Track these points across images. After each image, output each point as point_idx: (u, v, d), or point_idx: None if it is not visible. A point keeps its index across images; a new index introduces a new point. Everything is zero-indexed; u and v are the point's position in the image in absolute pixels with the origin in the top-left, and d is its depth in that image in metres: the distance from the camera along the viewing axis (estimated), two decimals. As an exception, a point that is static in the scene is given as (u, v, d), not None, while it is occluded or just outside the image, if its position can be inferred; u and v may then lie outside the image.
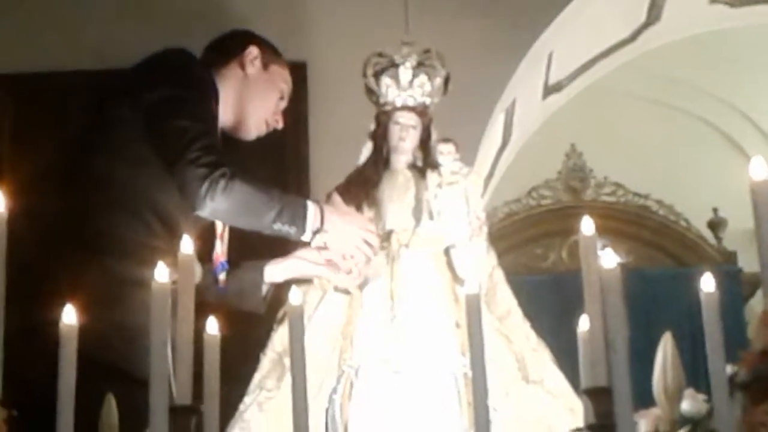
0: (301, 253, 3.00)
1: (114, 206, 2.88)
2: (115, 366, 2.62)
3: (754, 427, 1.29)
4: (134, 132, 2.90)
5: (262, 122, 3.21)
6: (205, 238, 2.98)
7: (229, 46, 3.24)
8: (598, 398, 1.81)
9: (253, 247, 3.10)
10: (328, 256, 2.93)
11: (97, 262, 2.81)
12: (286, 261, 3.03)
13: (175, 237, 2.69)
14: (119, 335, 2.71)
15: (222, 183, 2.79)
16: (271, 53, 3.26)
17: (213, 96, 3.03)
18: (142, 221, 2.87)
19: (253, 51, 3.20)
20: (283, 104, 3.27)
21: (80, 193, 2.93)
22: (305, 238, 2.89)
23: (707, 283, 1.80)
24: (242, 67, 3.19)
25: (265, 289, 3.06)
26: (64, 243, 2.83)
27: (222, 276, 3.05)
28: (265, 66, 3.21)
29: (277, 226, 2.85)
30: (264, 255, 3.12)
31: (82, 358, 1.91)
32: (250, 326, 2.91)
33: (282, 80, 3.25)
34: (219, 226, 3.05)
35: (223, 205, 2.80)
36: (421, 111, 2.98)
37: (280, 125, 3.26)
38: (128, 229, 2.85)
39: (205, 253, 2.96)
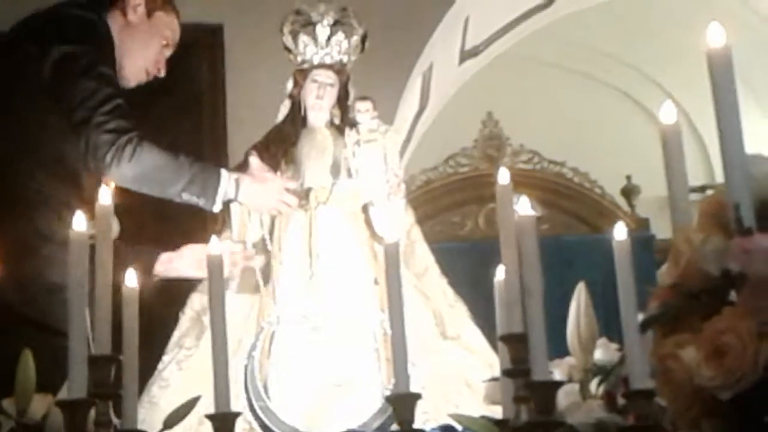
0: (188, 252, 2.94)
1: (27, 161, 2.85)
2: (34, 318, 2.60)
3: (663, 359, 1.32)
4: (41, 83, 2.87)
5: (141, 71, 3.15)
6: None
7: None
8: (514, 344, 1.84)
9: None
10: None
11: (13, 217, 2.79)
12: (177, 259, 2.94)
13: (80, 190, 2.69)
14: (38, 287, 2.69)
15: (129, 149, 2.78)
16: (158, 0, 3.20)
17: (112, 49, 2.99)
18: (54, 176, 2.84)
19: None
20: (168, 52, 3.20)
21: None
22: (214, 209, 2.89)
23: (619, 232, 1.84)
24: (124, 13, 3.13)
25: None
26: None
27: None
28: (149, 13, 3.14)
29: (186, 196, 2.85)
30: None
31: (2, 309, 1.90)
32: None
33: (167, 27, 3.17)
34: None
35: (129, 173, 2.79)
36: (339, 69, 2.99)
37: (161, 73, 3.20)
38: (42, 184, 2.83)
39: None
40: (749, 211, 1.33)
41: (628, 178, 6.73)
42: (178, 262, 2.94)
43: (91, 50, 2.90)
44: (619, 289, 1.75)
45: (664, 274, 1.51)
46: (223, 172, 2.90)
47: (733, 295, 1.33)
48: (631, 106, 7.42)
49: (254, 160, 2.96)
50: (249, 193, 2.89)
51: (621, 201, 6.65)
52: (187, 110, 3.28)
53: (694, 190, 6.59)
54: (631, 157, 6.84)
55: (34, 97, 2.88)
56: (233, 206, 2.93)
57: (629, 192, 6.73)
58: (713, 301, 1.33)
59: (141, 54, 3.12)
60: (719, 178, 6.61)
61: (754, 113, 6.62)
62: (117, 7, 3.13)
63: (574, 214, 6.59)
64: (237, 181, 2.88)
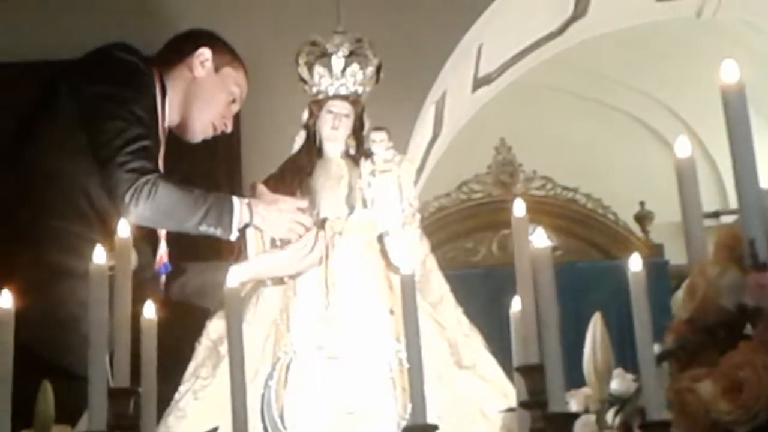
0: (263, 255, 2.97)
1: (50, 195, 2.89)
2: (45, 357, 2.61)
3: (680, 393, 1.33)
4: (71, 121, 2.92)
5: (208, 125, 3.22)
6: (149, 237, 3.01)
7: (181, 46, 3.24)
8: (531, 375, 1.85)
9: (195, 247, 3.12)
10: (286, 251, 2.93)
11: (31, 252, 2.82)
12: (251, 262, 2.96)
13: (108, 228, 2.70)
14: (50, 326, 2.71)
15: (146, 190, 2.82)
16: (226, 56, 3.25)
17: (154, 95, 3.03)
18: (77, 211, 2.88)
19: (204, 53, 3.20)
20: (235, 107, 3.28)
21: (16, 180, 2.94)
22: (232, 237, 2.92)
23: (635, 263, 1.85)
24: (191, 68, 3.19)
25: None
26: None
27: (164, 278, 3.06)
28: (217, 68, 3.22)
29: (203, 228, 2.89)
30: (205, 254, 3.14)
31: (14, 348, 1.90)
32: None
33: (234, 83, 3.24)
34: None
35: (147, 212, 2.83)
36: (354, 100, 3.00)
37: (228, 129, 3.27)
38: (63, 219, 2.86)
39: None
40: (764, 246, 1.34)
41: (642, 204, 6.74)
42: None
43: (127, 91, 2.95)
44: (635, 322, 1.76)
45: (679, 304, 1.52)
46: (235, 199, 2.94)
47: (749, 329, 1.34)
48: (643, 132, 7.44)
49: (260, 187, 3.00)
50: (263, 215, 2.92)
51: (634, 227, 6.66)
52: (202, 141, 3.30)
53: (708, 215, 6.59)
54: (645, 183, 6.85)
55: (65, 133, 2.92)
56: (248, 232, 2.96)
57: (643, 218, 6.73)
58: (729, 335, 1.34)
59: (207, 109, 3.19)
60: (733, 203, 6.64)
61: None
62: (184, 63, 3.18)
63: (587, 241, 6.60)
64: (249, 206, 2.92)
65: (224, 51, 3.25)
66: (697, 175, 1.62)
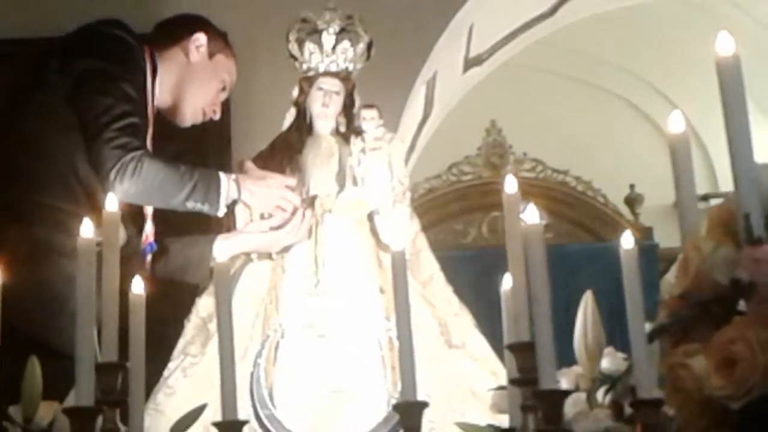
0: (249, 228, 2.96)
1: (38, 171, 2.88)
2: (31, 335, 2.59)
3: (672, 368, 1.32)
4: (61, 97, 2.91)
5: (198, 111, 3.21)
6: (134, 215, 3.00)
7: (177, 29, 3.24)
8: (521, 353, 1.84)
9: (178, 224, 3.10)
10: (273, 222, 2.92)
11: (19, 228, 2.80)
12: (235, 236, 2.96)
13: (96, 205, 2.69)
14: (38, 304, 2.70)
15: (131, 167, 2.81)
16: (219, 43, 3.26)
17: (144, 73, 3.02)
18: (65, 188, 2.87)
19: (199, 38, 3.20)
20: (224, 95, 3.28)
21: (5, 156, 2.93)
22: (219, 213, 2.92)
23: (626, 240, 1.84)
24: (186, 52, 3.18)
25: (212, 263, 3.02)
26: None
27: (149, 257, 3.05)
28: (211, 55, 3.22)
29: (190, 204, 2.89)
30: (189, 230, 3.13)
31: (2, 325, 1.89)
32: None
33: (226, 71, 3.25)
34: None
35: (132, 189, 2.82)
36: (344, 77, 2.99)
37: (216, 116, 3.27)
38: (51, 196, 2.85)
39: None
40: (759, 221, 1.33)
41: (632, 186, 6.74)
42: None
43: (116, 68, 2.94)
44: (626, 298, 1.75)
45: (672, 282, 1.51)
46: (222, 174, 2.93)
47: (743, 305, 1.33)
48: (634, 114, 7.44)
49: (248, 163, 3.00)
50: (251, 190, 2.92)
51: (624, 210, 6.66)
52: (192, 125, 3.28)
53: (698, 198, 6.60)
54: (635, 165, 6.86)
55: (54, 109, 2.91)
56: (237, 208, 2.96)
57: (632, 201, 6.73)
58: (723, 310, 1.33)
59: (199, 94, 3.19)
60: (723, 186, 6.64)
61: (759, 122, 6.62)
62: (179, 46, 3.17)
63: (577, 223, 6.59)
64: (237, 182, 2.91)
65: (218, 38, 3.26)
66: (690, 151, 1.61)
